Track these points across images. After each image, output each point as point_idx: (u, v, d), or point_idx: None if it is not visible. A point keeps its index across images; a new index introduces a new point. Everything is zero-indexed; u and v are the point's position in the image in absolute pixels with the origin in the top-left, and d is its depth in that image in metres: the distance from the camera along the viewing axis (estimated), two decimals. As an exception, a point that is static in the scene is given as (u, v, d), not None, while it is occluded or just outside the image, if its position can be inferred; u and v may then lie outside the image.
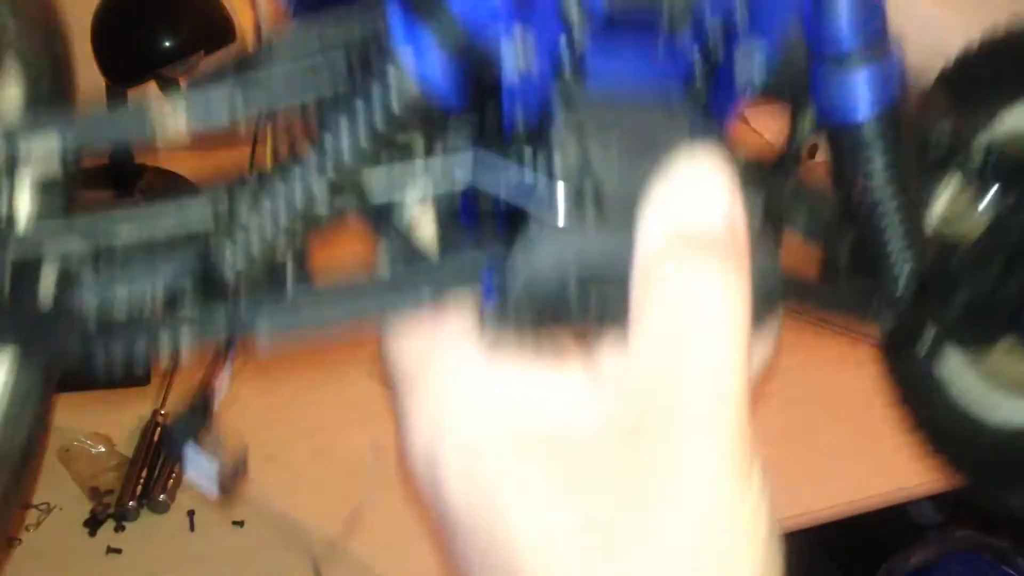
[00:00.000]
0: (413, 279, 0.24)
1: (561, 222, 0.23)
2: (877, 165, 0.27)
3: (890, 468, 0.81)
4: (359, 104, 0.23)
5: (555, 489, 0.22)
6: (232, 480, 0.27)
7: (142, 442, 0.73)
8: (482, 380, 0.24)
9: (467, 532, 0.23)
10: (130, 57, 0.89)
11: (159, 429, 0.74)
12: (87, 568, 0.66)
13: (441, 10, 0.22)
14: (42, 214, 0.25)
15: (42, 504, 0.69)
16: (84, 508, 0.69)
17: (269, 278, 0.24)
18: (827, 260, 0.31)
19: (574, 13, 0.23)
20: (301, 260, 0.24)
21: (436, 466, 0.24)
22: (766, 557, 0.24)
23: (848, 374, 0.91)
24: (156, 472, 0.71)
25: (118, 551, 0.67)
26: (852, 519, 0.80)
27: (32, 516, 0.69)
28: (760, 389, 0.27)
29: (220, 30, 0.91)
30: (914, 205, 0.29)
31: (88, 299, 0.24)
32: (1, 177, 0.24)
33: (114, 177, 1.04)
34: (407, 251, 0.25)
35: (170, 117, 0.24)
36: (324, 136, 0.23)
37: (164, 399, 0.77)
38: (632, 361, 0.23)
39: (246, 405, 0.79)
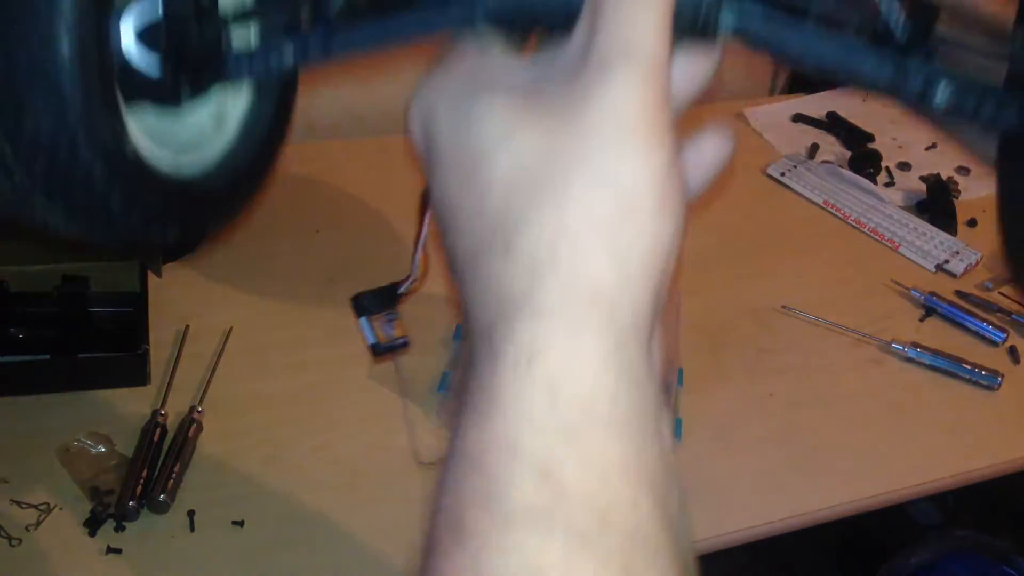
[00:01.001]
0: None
1: None
2: None
3: (890, 468, 0.81)
4: None
5: (511, 112, 0.30)
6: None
7: (142, 442, 0.73)
8: (471, 63, 0.32)
9: (452, 160, 0.31)
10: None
11: (159, 429, 0.74)
12: (87, 568, 0.66)
13: None
14: None
15: (42, 504, 0.69)
16: (84, 508, 0.69)
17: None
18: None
19: None
20: None
21: (432, 114, 0.32)
22: (668, 212, 0.30)
23: (848, 374, 0.91)
24: (156, 472, 0.71)
25: (118, 551, 0.67)
26: (852, 519, 0.80)
27: (32, 516, 0.69)
28: (696, 106, 0.35)
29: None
30: None
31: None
32: None
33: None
34: None
35: None
36: None
37: (164, 399, 0.77)
38: (575, 34, 0.31)
39: (246, 405, 0.79)
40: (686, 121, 0.35)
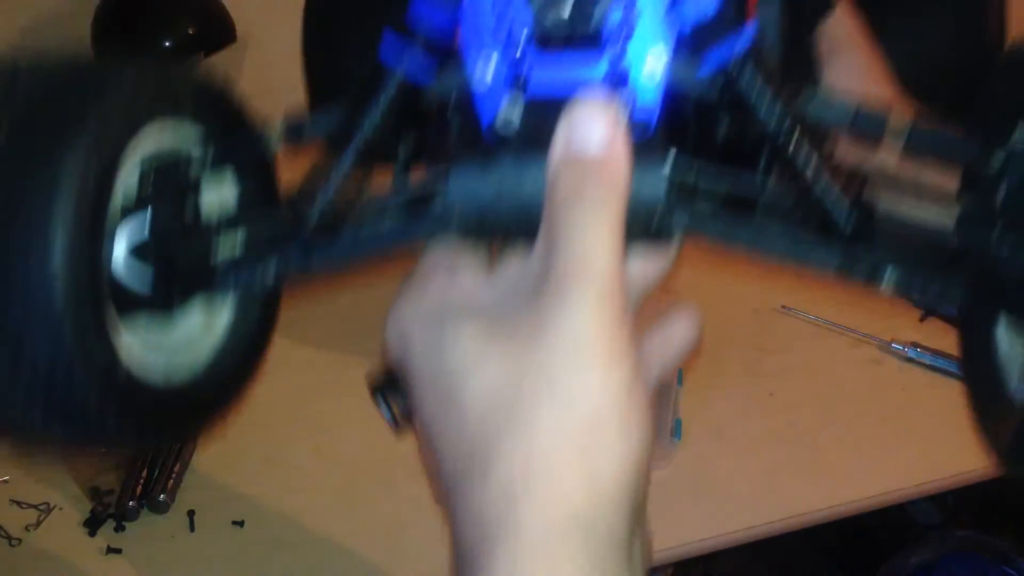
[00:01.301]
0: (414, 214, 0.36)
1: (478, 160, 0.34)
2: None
3: (890, 468, 0.81)
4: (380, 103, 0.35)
5: (479, 338, 0.32)
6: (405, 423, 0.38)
7: (142, 442, 0.73)
8: (440, 284, 0.34)
9: (425, 381, 0.33)
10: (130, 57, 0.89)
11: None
12: (87, 568, 0.66)
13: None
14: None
15: (42, 504, 0.69)
16: (84, 508, 0.69)
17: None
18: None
19: (513, 37, 0.34)
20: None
21: (407, 338, 0.34)
22: (634, 427, 0.31)
23: (848, 374, 0.91)
24: (156, 472, 0.71)
25: (118, 551, 0.67)
26: (852, 519, 0.80)
27: (32, 516, 0.69)
28: (657, 295, 0.37)
29: (220, 30, 0.91)
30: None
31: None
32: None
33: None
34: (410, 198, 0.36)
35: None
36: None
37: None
38: (535, 249, 0.32)
39: (246, 405, 0.79)
40: (648, 305, 0.37)
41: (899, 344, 0.92)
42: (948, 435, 0.85)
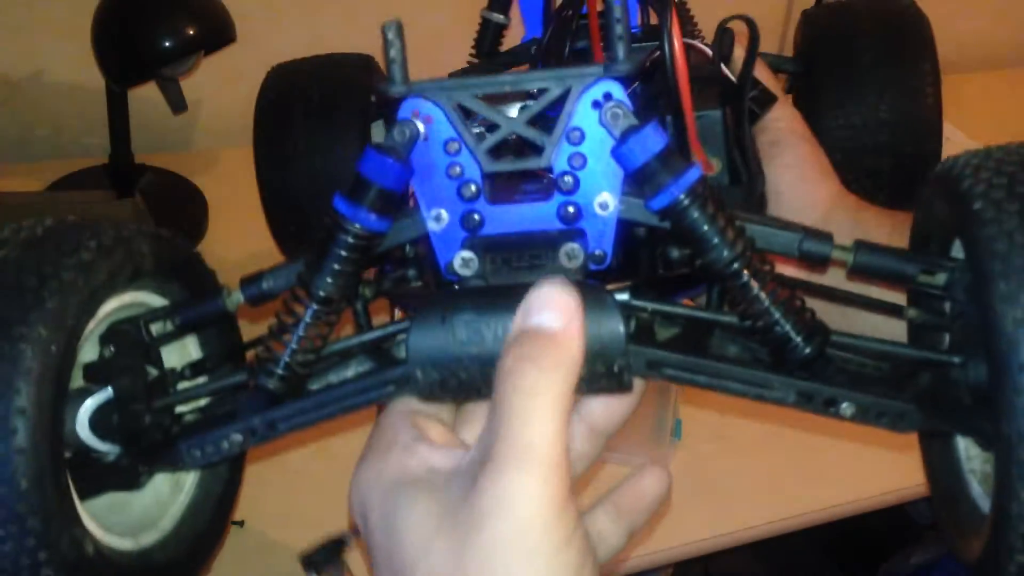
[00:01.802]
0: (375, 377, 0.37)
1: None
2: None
3: (890, 468, 0.81)
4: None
5: (430, 520, 0.32)
6: None
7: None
8: (400, 454, 0.35)
9: (381, 552, 0.33)
10: (130, 57, 0.89)
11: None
12: (87, 568, 0.66)
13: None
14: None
15: (42, 504, 0.69)
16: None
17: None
18: None
19: (464, 182, 0.36)
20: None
21: (367, 507, 0.34)
22: None
23: (848, 374, 0.91)
24: (156, 472, 0.71)
25: (118, 551, 0.67)
26: (852, 519, 0.80)
27: (32, 516, 0.69)
28: (620, 430, 0.39)
29: (220, 30, 0.91)
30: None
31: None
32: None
33: (114, 177, 1.04)
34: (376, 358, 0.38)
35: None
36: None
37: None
38: (483, 432, 0.32)
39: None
40: (619, 438, 0.39)
41: (899, 344, 0.92)
42: (948, 435, 0.85)
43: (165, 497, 0.41)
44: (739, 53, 0.55)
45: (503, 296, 0.35)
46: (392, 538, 0.33)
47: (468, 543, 0.31)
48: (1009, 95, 1.37)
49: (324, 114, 0.66)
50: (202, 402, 0.41)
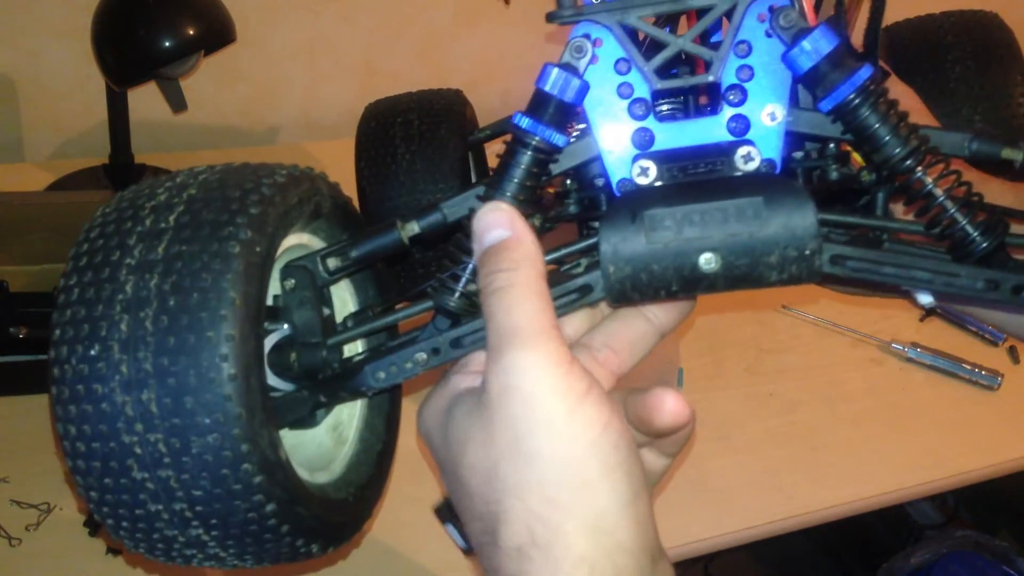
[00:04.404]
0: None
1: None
2: None
3: (890, 468, 0.81)
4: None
5: (467, 416, 0.36)
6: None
7: (142, 442, 0.73)
8: (450, 382, 0.39)
9: (443, 463, 0.37)
10: (130, 57, 0.89)
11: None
12: (87, 568, 0.66)
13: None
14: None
15: (42, 504, 0.69)
16: (84, 508, 0.69)
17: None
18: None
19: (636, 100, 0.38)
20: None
21: (429, 432, 0.39)
22: (616, 464, 0.33)
23: (848, 374, 0.91)
24: (156, 472, 0.71)
25: (118, 551, 0.67)
26: (852, 519, 0.80)
27: (32, 516, 0.69)
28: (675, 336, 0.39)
29: (220, 30, 0.91)
30: None
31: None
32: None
33: (114, 177, 1.04)
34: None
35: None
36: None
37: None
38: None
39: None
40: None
41: (899, 344, 0.92)
42: (948, 435, 0.85)
43: (329, 448, 0.43)
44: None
45: (689, 191, 0.36)
46: (445, 443, 0.37)
47: (492, 427, 0.34)
48: None
49: (424, 136, 0.73)
50: (359, 347, 0.43)
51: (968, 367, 0.90)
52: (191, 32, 0.87)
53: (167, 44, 0.86)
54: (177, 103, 0.98)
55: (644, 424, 0.37)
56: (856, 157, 0.40)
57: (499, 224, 0.36)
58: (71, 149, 1.12)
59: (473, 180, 0.75)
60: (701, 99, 0.41)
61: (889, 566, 1.09)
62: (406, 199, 0.72)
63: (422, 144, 0.72)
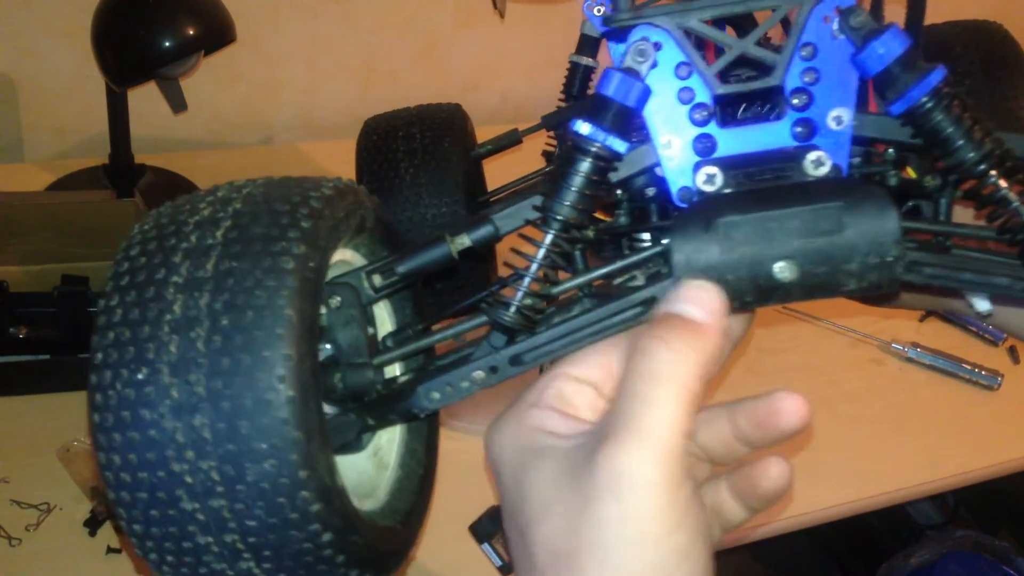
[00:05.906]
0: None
1: None
2: None
3: (890, 468, 0.81)
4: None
5: (552, 484, 0.33)
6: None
7: (142, 442, 0.73)
8: (536, 419, 0.35)
9: (509, 506, 0.35)
10: (130, 57, 0.89)
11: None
12: (87, 568, 0.66)
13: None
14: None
15: (42, 504, 0.69)
16: (84, 508, 0.69)
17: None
18: None
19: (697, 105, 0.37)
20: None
21: (500, 463, 0.36)
22: None
23: (848, 374, 0.91)
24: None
25: (118, 551, 0.67)
26: (852, 519, 0.80)
27: (32, 516, 0.69)
28: (735, 353, 0.38)
29: (220, 30, 0.91)
30: None
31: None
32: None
33: (114, 177, 1.04)
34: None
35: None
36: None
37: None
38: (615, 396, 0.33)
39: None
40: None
41: (899, 344, 0.92)
42: (948, 435, 0.85)
43: (372, 475, 0.42)
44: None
45: (761, 198, 0.34)
46: (519, 494, 0.34)
47: (583, 514, 0.32)
48: None
49: (427, 150, 0.73)
50: (396, 369, 0.42)
51: (968, 367, 0.90)
52: (191, 32, 0.87)
53: (167, 44, 0.86)
54: (177, 103, 0.98)
55: (761, 431, 0.36)
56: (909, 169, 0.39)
57: (702, 304, 0.33)
58: (71, 149, 1.12)
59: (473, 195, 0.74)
60: (762, 104, 0.40)
61: (889, 566, 1.09)
62: (410, 214, 0.71)
63: (425, 158, 0.72)
